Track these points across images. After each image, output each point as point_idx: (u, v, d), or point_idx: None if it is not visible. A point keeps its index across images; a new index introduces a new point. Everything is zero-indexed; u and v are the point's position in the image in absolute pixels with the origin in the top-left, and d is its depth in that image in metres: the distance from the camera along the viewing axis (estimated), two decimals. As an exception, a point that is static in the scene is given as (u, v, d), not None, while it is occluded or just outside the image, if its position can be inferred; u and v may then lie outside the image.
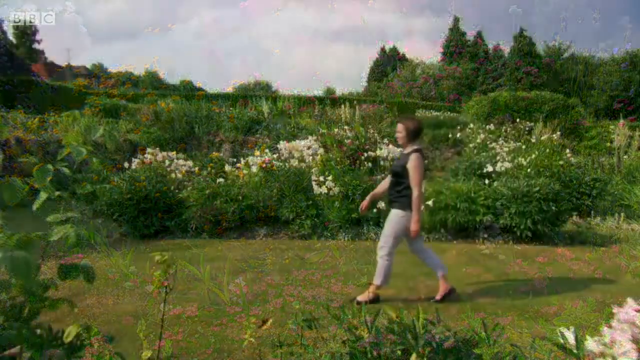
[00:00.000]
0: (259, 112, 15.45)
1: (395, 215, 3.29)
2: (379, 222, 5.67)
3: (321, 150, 6.91)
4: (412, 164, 3.17)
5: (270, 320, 1.45)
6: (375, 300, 3.29)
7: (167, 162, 7.16)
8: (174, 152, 7.74)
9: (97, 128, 0.92)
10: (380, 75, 36.75)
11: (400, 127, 3.35)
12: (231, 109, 15.61)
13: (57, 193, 0.81)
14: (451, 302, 3.35)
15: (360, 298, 3.26)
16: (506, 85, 31.11)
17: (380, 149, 8.47)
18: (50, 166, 0.75)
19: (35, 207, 0.80)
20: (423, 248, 3.55)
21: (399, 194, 3.26)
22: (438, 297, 3.37)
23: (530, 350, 0.92)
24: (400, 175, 3.26)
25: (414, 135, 3.30)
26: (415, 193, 3.15)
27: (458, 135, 13.15)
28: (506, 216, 5.32)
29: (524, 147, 8.64)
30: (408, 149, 3.33)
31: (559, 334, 0.89)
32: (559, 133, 10.13)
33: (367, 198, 3.65)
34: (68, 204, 6.89)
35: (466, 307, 3.20)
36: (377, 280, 3.31)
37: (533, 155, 7.32)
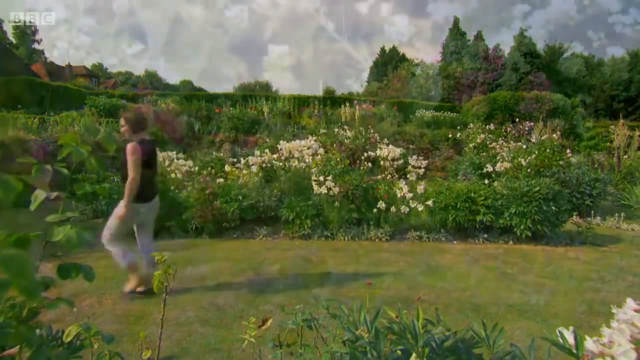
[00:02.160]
0: (259, 112, 15.44)
1: (119, 206, 3.33)
2: (379, 222, 5.67)
3: (321, 150, 6.90)
4: (127, 154, 3.25)
5: (270, 320, 1.45)
6: (140, 289, 3.38)
7: (167, 162, 7.16)
8: (174, 152, 7.74)
9: (98, 129, 0.92)
10: (380, 75, 36.80)
11: (122, 120, 3.44)
12: (232, 109, 15.60)
13: (54, 194, 0.81)
14: (448, 302, 3.35)
15: (126, 289, 3.39)
16: (506, 85, 31.10)
17: (380, 148, 8.48)
18: (48, 166, 0.75)
19: (32, 207, 0.81)
20: (146, 246, 3.49)
21: (124, 186, 3.30)
22: (127, 289, 3.40)
23: (530, 350, 0.92)
24: (124, 168, 3.32)
25: (136, 127, 3.38)
26: (130, 177, 3.22)
27: (458, 135, 13.15)
28: (506, 216, 5.32)
29: (524, 147, 8.64)
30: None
31: (558, 334, 0.89)
32: (559, 133, 10.12)
33: None
34: (68, 204, 6.89)
35: (466, 307, 3.21)
36: (122, 266, 3.37)
37: (533, 155, 7.32)
